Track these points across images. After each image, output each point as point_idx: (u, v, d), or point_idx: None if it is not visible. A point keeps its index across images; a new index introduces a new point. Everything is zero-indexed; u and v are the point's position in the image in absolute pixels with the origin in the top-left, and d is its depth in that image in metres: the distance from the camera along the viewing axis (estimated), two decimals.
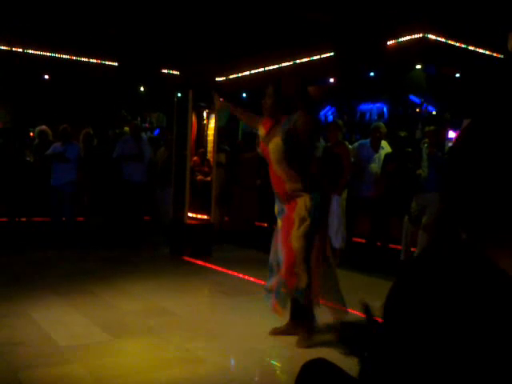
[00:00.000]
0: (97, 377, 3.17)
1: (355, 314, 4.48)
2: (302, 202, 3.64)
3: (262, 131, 3.88)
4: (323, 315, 3.83)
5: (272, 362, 3.68)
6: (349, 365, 1.51)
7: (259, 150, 3.91)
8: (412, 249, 6.42)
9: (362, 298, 1.25)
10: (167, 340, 3.87)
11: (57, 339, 3.77)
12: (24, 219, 8.12)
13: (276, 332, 3.95)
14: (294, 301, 3.82)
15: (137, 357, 3.59)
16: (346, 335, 1.32)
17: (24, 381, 3.09)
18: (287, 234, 3.68)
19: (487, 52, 9.24)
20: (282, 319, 3.94)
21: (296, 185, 3.68)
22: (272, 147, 3.69)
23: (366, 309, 1.22)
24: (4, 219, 8.02)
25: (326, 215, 3.86)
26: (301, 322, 3.81)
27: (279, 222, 3.85)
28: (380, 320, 1.22)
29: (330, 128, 6.90)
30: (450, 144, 8.90)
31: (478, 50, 9.18)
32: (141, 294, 5.12)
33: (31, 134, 10.13)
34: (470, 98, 8.34)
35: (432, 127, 6.64)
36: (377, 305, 1.36)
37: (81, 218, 8.14)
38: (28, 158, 8.38)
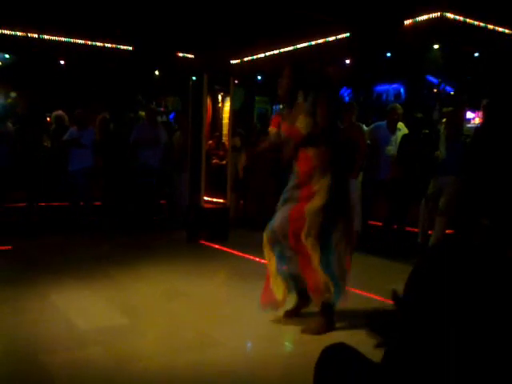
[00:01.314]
0: (117, 360, 3.20)
1: (370, 296, 4.50)
2: (318, 196, 3.58)
3: (272, 129, 3.88)
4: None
5: (290, 345, 3.69)
6: (368, 349, 1.51)
7: (283, 133, 3.79)
8: (429, 231, 6.37)
9: (393, 285, 1.23)
10: (186, 323, 3.90)
11: (77, 323, 3.82)
12: (42, 204, 8.20)
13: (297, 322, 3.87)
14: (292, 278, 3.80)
15: (157, 340, 3.63)
16: (377, 322, 1.31)
17: (45, 364, 3.13)
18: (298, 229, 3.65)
19: (507, 31, 9.06)
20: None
21: (323, 161, 3.60)
22: (301, 124, 3.63)
23: (395, 296, 1.22)
24: (22, 204, 8.10)
25: (346, 197, 3.77)
26: (322, 313, 3.72)
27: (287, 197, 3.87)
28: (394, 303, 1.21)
29: (343, 110, 6.83)
30: (469, 125, 8.80)
31: (497, 28, 9.00)
32: (158, 278, 5.16)
33: (48, 119, 10.20)
34: (489, 77, 8.22)
35: (450, 108, 6.55)
36: (396, 288, 1.35)
37: (98, 203, 8.20)
38: (45, 144, 8.43)
